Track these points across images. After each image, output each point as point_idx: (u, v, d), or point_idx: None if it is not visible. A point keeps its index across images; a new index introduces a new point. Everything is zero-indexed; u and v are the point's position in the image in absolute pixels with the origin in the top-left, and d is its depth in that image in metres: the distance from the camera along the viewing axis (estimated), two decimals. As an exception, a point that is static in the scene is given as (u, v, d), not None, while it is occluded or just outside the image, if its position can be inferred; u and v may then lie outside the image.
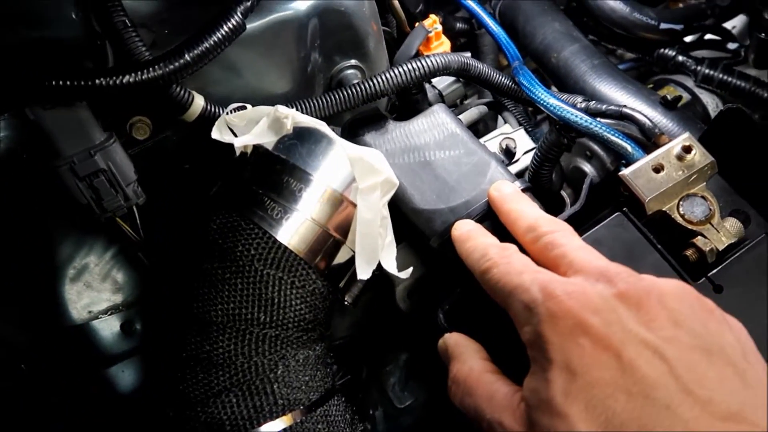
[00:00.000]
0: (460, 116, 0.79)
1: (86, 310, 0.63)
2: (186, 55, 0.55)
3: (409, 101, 0.71)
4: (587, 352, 0.38)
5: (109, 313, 0.64)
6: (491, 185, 0.59)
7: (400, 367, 0.74)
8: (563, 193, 0.77)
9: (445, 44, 0.80)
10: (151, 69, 0.54)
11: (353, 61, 0.71)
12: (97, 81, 0.53)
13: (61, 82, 0.53)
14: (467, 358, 0.50)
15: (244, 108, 0.60)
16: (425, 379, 0.74)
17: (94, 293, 0.64)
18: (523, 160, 0.71)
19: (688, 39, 0.92)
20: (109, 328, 0.63)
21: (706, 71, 0.84)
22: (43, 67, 0.55)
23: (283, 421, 0.48)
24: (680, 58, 0.86)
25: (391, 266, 0.57)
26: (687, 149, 0.57)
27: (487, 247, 0.51)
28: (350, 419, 0.53)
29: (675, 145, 0.57)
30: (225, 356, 0.49)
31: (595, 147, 0.74)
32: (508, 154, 0.71)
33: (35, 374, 0.56)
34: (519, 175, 0.71)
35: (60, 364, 0.60)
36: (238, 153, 0.57)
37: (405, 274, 0.58)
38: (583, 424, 0.37)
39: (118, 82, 0.53)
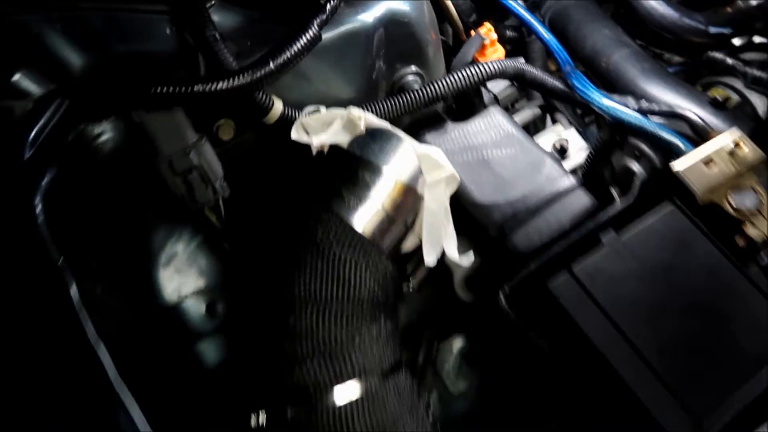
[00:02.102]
0: (515, 116, 0.84)
1: (176, 294, 0.70)
2: (271, 64, 0.62)
3: (466, 104, 0.76)
4: None
5: (195, 296, 0.71)
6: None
7: (455, 353, 0.77)
8: (612, 190, 0.80)
9: (499, 51, 0.85)
10: (240, 77, 0.61)
11: (414, 68, 0.76)
12: (194, 88, 0.60)
13: (163, 89, 0.60)
14: None
15: (318, 111, 0.66)
16: (480, 366, 0.76)
17: (182, 278, 0.70)
18: (576, 158, 0.75)
19: (737, 42, 0.94)
20: (195, 309, 0.70)
21: (756, 73, 0.86)
22: (145, 77, 0.62)
23: (360, 386, 0.53)
24: (730, 61, 0.88)
25: (453, 254, 0.62)
26: (738, 144, 0.59)
27: None
28: (417, 391, 0.58)
29: (725, 139, 0.60)
30: (307, 328, 0.55)
31: (644, 147, 0.76)
32: (562, 152, 0.75)
33: (136, 350, 0.63)
34: (572, 171, 0.75)
35: (153, 342, 0.67)
36: (314, 152, 0.63)
37: (467, 261, 0.63)
38: None
39: (212, 88, 0.60)
